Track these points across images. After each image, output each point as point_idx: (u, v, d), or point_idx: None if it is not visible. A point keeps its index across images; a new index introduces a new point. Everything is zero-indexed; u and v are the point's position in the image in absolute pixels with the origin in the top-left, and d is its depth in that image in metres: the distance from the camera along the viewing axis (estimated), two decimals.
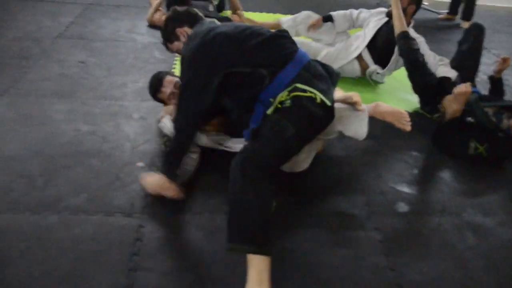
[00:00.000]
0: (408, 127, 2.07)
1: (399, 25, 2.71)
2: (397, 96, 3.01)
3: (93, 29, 3.58)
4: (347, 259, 1.68)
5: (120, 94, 2.65)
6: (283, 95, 1.69)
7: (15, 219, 1.71)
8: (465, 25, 4.65)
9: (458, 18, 4.87)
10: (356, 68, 3.12)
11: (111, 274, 1.53)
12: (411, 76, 2.69)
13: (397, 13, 2.72)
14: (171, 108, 2.16)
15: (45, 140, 2.18)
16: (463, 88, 2.34)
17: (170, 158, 1.86)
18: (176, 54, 2.11)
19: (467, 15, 4.68)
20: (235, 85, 1.77)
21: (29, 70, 2.85)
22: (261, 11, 4.39)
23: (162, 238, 1.70)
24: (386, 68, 3.03)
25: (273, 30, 1.87)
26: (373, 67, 3.06)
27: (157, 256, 1.61)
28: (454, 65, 2.77)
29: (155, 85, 2.22)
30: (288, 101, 1.67)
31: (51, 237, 1.65)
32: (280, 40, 1.81)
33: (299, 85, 1.70)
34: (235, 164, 1.54)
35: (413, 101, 2.88)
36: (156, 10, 3.67)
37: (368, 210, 1.94)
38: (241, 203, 1.50)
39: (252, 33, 1.77)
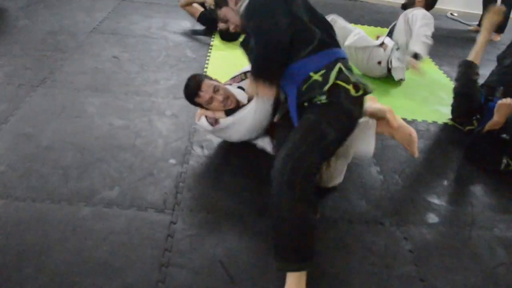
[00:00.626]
0: (416, 153, 1.95)
1: (473, 54, 2.66)
2: (428, 106, 2.99)
3: (126, 25, 3.63)
4: (377, 268, 1.68)
5: (152, 90, 2.69)
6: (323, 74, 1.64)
7: (52, 209, 1.75)
8: (497, 38, 4.59)
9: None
10: (381, 54, 3.11)
11: (143, 268, 1.55)
12: (457, 102, 2.68)
13: (480, 43, 2.66)
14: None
15: (79, 133, 2.23)
16: (508, 100, 2.30)
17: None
18: (208, 53, 2.11)
19: (500, 28, 4.60)
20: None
21: (64, 63, 2.91)
22: None
23: (194, 236, 1.71)
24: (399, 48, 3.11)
25: None
26: (391, 44, 3.12)
27: (189, 253, 1.63)
28: (494, 79, 2.71)
29: (193, 89, 2.11)
30: (324, 97, 1.62)
31: (85, 228, 1.69)
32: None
33: (344, 69, 1.66)
34: (280, 175, 1.47)
35: (443, 111, 2.86)
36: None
37: (397, 219, 1.93)
38: (289, 220, 1.45)
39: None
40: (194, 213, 1.82)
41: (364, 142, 1.89)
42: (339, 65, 1.66)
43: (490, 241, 1.89)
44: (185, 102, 2.50)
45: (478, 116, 2.59)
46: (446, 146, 2.55)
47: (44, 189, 1.85)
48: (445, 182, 2.23)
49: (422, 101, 3.04)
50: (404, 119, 2.73)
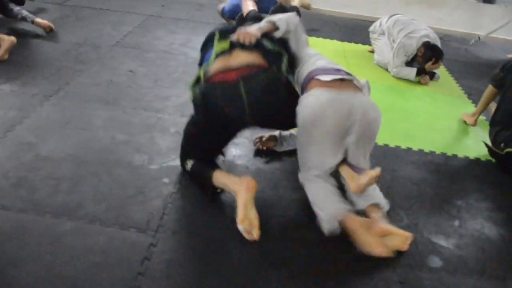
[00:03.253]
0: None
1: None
2: (447, 136, 2.81)
3: (149, 40, 3.67)
4: None
5: (161, 106, 2.67)
6: None
7: (35, 221, 1.73)
8: None
9: None
10: None
11: None
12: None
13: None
14: None
15: (80, 145, 2.23)
16: None
17: None
18: None
19: None
20: None
21: (81, 75, 2.95)
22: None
23: (171, 261, 1.64)
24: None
25: None
26: None
27: (163, 279, 1.56)
28: None
29: None
30: None
31: (63, 243, 1.65)
32: None
33: None
34: None
35: (466, 144, 2.68)
36: None
37: (394, 260, 1.78)
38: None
39: None
40: (176, 236, 1.75)
41: None
42: None
43: None
44: None
45: None
46: (463, 182, 2.37)
47: (32, 200, 1.83)
48: (457, 223, 2.06)
49: (442, 131, 2.87)
50: (421, 150, 2.59)
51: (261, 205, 1.89)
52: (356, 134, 1.84)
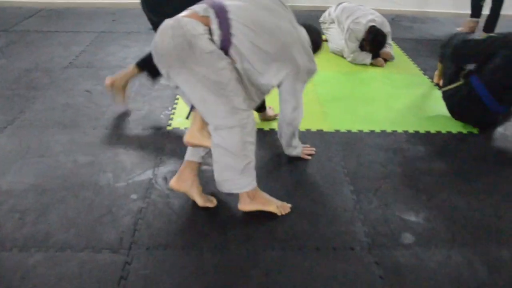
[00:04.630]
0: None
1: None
2: (408, 114, 2.88)
3: (102, 57, 3.62)
4: None
5: (121, 122, 2.63)
6: None
7: (2, 257, 1.68)
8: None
9: (480, 28, 4.64)
10: None
11: None
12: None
13: None
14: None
15: (42, 173, 2.17)
16: None
17: None
18: None
19: (489, 28, 4.47)
20: None
21: (36, 101, 2.88)
22: None
23: (149, 277, 1.62)
24: None
25: None
26: None
27: None
28: None
29: None
30: None
31: (35, 275, 1.61)
32: None
33: None
34: None
35: (426, 120, 2.75)
36: None
37: (368, 242, 1.81)
38: None
39: None
40: (151, 251, 1.73)
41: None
42: None
43: (471, 260, 1.76)
44: (153, 132, 2.47)
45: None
46: (428, 157, 2.43)
47: None
48: (424, 197, 2.11)
49: (402, 110, 2.93)
50: (383, 131, 2.64)
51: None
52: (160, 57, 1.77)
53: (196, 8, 1.77)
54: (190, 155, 1.99)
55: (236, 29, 1.71)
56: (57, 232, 1.81)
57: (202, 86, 1.68)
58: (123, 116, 2.71)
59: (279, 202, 1.96)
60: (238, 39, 1.72)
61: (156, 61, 1.77)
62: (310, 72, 2.00)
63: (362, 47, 3.61)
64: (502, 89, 2.54)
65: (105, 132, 2.53)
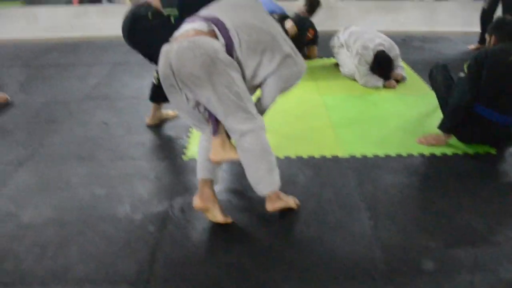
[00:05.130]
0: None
1: None
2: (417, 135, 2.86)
3: (117, 88, 3.70)
4: None
5: (137, 153, 2.67)
6: None
7: None
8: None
9: None
10: None
11: None
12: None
13: None
14: None
15: (61, 206, 2.21)
16: None
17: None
18: None
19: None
20: None
21: (54, 134, 2.95)
22: None
23: None
24: None
25: None
26: None
27: None
28: None
29: None
30: None
31: None
32: None
33: None
34: None
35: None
36: None
37: (388, 269, 1.79)
38: None
39: None
40: (170, 284, 1.73)
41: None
42: None
43: (494, 285, 1.72)
44: (169, 163, 2.50)
45: None
46: (445, 180, 2.40)
47: (18, 272, 1.80)
48: (443, 221, 2.08)
49: (416, 132, 2.91)
50: (399, 155, 2.62)
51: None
52: (179, 81, 1.81)
53: (197, 26, 1.80)
54: (204, 173, 2.04)
55: (234, 37, 1.78)
56: (76, 265, 1.83)
57: (226, 98, 1.76)
58: (138, 147, 2.75)
59: (291, 198, 2.13)
60: (238, 45, 1.79)
61: (178, 84, 1.81)
62: (297, 64, 1.91)
63: (372, 70, 3.63)
64: (494, 96, 2.54)
65: (121, 164, 2.57)
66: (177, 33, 1.84)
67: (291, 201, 2.11)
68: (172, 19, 2.50)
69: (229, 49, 1.78)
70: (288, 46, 1.89)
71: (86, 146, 2.78)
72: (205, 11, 1.89)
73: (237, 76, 1.78)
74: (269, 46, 1.83)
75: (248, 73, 1.84)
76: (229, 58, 1.76)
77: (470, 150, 2.68)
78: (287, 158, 2.60)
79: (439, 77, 2.95)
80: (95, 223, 2.08)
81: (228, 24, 1.79)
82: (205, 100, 1.80)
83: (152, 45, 2.11)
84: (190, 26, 1.82)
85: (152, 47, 2.12)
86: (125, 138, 2.87)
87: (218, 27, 1.78)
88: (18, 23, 5.42)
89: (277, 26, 1.93)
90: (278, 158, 2.58)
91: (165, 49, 1.81)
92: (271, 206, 2.03)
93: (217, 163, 2.00)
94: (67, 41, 5.23)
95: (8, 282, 1.75)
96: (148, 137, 2.87)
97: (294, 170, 2.47)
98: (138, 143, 2.80)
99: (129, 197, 2.26)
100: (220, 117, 1.84)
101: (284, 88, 1.94)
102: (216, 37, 1.78)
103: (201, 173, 2.05)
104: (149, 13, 2.54)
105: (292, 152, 2.66)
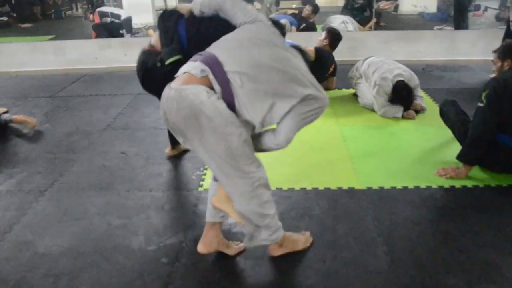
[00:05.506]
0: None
1: None
2: (429, 167, 2.80)
3: (138, 119, 3.77)
4: None
5: (154, 184, 2.70)
6: None
7: None
8: None
9: None
10: None
11: None
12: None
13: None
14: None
15: (77, 236, 2.23)
16: None
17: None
18: None
19: None
20: None
21: (74, 164, 3.01)
22: None
23: None
24: None
25: None
26: None
27: None
28: None
29: None
30: None
31: None
32: None
33: None
34: None
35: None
36: None
37: None
38: None
39: None
40: None
41: None
42: None
43: None
44: (186, 194, 2.51)
45: None
46: (464, 214, 2.33)
47: None
48: (463, 257, 2.01)
49: (436, 163, 2.85)
50: (417, 187, 2.57)
51: None
52: (170, 128, 1.77)
53: (192, 69, 1.69)
54: (211, 216, 2.00)
55: (234, 81, 1.65)
56: None
57: (214, 155, 1.67)
58: (156, 178, 2.78)
59: (302, 237, 2.07)
60: (239, 89, 1.65)
61: (172, 131, 1.78)
62: (318, 100, 1.76)
63: (392, 101, 3.61)
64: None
65: (138, 194, 2.59)
66: (176, 75, 1.76)
67: (298, 246, 2.03)
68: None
69: (228, 95, 1.66)
70: (309, 83, 1.74)
71: (104, 176, 2.82)
72: (209, 48, 1.79)
73: (230, 130, 1.64)
74: (283, 86, 1.69)
75: (259, 117, 1.68)
76: (217, 110, 1.62)
77: (492, 182, 2.61)
78: (303, 190, 2.58)
79: (450, 113, 2.94)
80: (110, 254, 2.09)
81: (228, 66, 1.66)
82: (196, 151, 1.75)
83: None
84: (186, 68, 1.73)
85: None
86: (143, 168, 2.91)
87: (214, 71, 1.66)
88: (47, 56, 5.64)
89: (298, 61, 1.79)
90: (293, 190, 2.57)
91: (163, 93, 1.72)
92: (272, 252, 2.00)
93: (217, 209, 1.92)
94: (91, 72, 5.40)
95: None
96: (165, 168, 2.90)
97: (309, 202, 2.45)
98: (156, 173, 2.83)
99: (144, 228, 2.27)
100: (212, 170, 1.79)
101: (303, 125, 1.78)
102: (208, 83, 1.66)
103: (208, 216, 2.01)
104: (158, 63, 2.45)
105: (308, 183, 2.64)
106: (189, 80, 1.67)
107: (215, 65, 1.67)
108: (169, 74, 1.84)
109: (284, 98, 1.69)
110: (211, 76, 1.66)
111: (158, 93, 2.33)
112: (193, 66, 1.70)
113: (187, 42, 2.35)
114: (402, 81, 3.56)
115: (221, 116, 1.63)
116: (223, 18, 2.06)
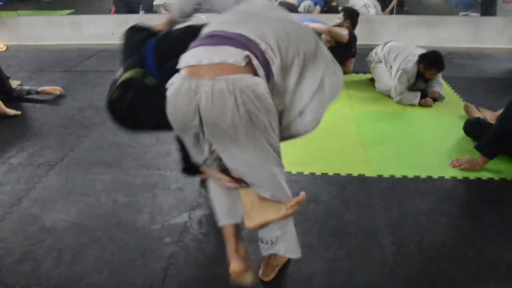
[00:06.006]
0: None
1: None
2: (447, 158, 2.72)
3: None
4: None
5: (162, 163, 2.69)
6: None
7: None
8: None
9: None
10: None
11: None
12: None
13: None
14: None
15: (83, 212, 2.24)
16: None
17: None
18: None
19: None
20: None
21: (85, 139, 3.02)
22: None
23: None
24: None
25: None
26: None
27: None
28: None
29: None
30: None
31: None
32: None
33: None
34: None
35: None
36: None
37: None
38: None
39: None
40: None
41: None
42: None
43: None
44: None
45: None
46: (476, 207, 2.27)
47: (35, 275, 1.84)
48: (472, 253, 1.95)
49: (450, 154, 2.76)
50: (429, 177, 2.51)
51: None
52: (207, 131, 1.35)
53: (229, 58, 1.27)
54: (227, 216, 1.63)
55: (272, 61, 1.34)
56: (90, 273, 1.84)
57: (266, 156, 1.37)
58: (164, 157, 2.76)
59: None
60: (275, 68, 1.36)
61: (204, 133, 1.36)
62: (335, 74, 1.54)
63: (414, 83, 3.54)
64: None
65: (146, 173, 2.58)
66: (192, 61, 1.32)
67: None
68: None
69: (267, 79, 1.34)
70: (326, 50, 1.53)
71: (113, 153, 2.82)
72: (219, 27, 1.41)
73: (276, 125, 1.37)
74: (304, 53, 1.41)
75: (288, 99, 1.42)
76: (271, 102, 1.32)
77: (507, 175, 2.53)
78: (312, 175, 2.54)
79: (472, 123, 2.89)
80: (114, 231, 2.09)
81: (264, 46, 1.33)
82: (235, 163, 1.40)
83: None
84: (215, 54, 1.30)
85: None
86: (153, 147, 2.89)
87: (254, 53, 1.30)
88: (64, 30, 5.64)
89: (310, 32, 1.52)
90: (302, 174, 2.53)
91: (185, 86, 1.29)
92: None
93: (259, 228, 1.55)
94: (108, 48, 5.37)
95: (24, 285, 1.79)
96: (174, 147, 2.87)
97: (318, 188, 2.41)
98: (165, 152, 2.81)
99: (149, 207, 2.27)
100: (252, 183, 1.46)
101: (329, 104, 1.52)
102: (255, 70, 1.30)
103: (222, 219, 1.64)
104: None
105: (318, 168, 2.59)
106: (232, 70, 1.27)
107: (251, 45, 1.32)
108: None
109: (311, 68, 1.44)
110: (255, 62, 1.29)
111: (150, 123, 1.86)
112: (232, 54, 1.29)
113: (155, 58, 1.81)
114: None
115: (272, 107, 1.34)
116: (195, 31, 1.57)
